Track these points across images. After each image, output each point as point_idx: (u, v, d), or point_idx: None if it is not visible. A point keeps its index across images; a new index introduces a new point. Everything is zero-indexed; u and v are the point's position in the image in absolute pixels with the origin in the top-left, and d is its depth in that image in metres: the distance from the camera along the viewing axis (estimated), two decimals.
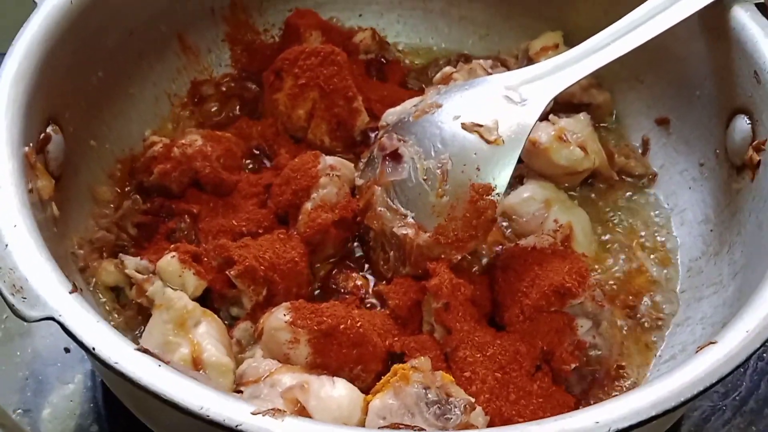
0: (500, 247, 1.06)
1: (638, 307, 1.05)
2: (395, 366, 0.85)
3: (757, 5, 1.03)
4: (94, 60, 1.05)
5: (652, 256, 1.10)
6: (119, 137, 1.12)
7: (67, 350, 1.08)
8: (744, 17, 1.02)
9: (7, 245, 0.76)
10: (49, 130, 0.94)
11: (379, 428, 0.77)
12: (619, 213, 1.14)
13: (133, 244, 1.04)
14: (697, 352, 0.73)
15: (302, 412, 0.80)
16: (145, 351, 0.70)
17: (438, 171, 0.97)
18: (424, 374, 0.84)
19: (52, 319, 0.70)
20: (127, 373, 0.68)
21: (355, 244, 1.07)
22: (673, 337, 1.01)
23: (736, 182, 1.02)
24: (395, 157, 1.01)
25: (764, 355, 1.11)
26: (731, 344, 0.72)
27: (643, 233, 1.12)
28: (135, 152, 1.13)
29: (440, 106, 1.03)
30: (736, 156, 1.02)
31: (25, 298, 0.72)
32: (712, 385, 0.69)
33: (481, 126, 0.98)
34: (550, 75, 1.02)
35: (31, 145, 0.88)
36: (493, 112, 0.99)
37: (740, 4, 1.03)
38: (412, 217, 0.98)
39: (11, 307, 0.72)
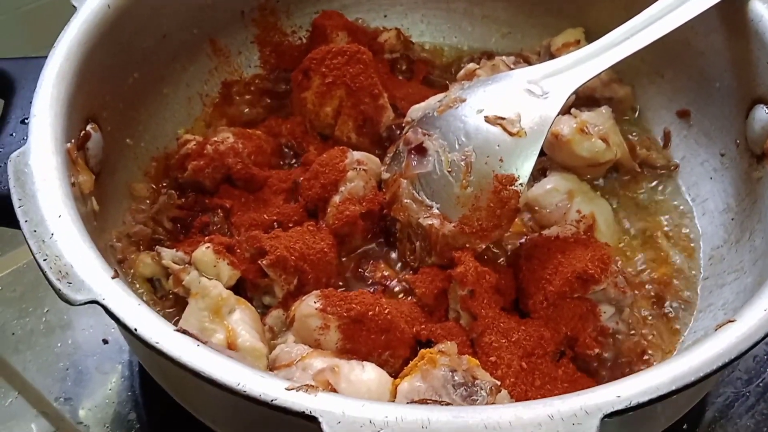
0: (524, 237, 1.08)
1: (663, 295, 1.07)
2: (422, 351, 0.88)
3: None
4: (130, 62, 1.10)
5: (675, 246, 1.12)
6: (154, 136, 1.16)
7: (105, 341, 1.12)
8: (762, 8, 1.04)
9: (52, 234, 0.80)
10: (88, 128, 0.98)
11: (407, 403, 0.79)
12: (643, 203, 1.16)
13: (169, 238, 1.07)
14: (716, 330, 0.75)
15: None
16: (184, 332, 0.73)
17: (462, 163, 1.00)
18: (451, 358, 0.86)
19: (96, 302, 0.74)
20: (168, 352, 0.71)
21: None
22: (696, 323, 1.03)
23: (757, 171, 1.04)
24: (420, 150, 1.04)
25: None
26: (750, 322, 0.74)
27: (666, 223, 1.14)
28: (169, 150, 1.17)
29: (464, 100, 1.05)
30: (756, 145, 1.04)
31: (70, 283, 0.75)
32: (731, 361, 0.71)
33: (503, 119, 1.01)
34: (570, 69, 1.05)
35: (72, 141, 0.92)
36: (515, 105, 1.02)
37: None
38: (437, 208, 1.00)
39: (57, 291, 0.75)
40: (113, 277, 0.77)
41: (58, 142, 0.89)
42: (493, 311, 0.96)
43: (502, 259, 1.07)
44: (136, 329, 0.72)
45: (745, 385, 1.08)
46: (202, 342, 0.73)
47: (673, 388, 0.69)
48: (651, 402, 0.68)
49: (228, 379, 0.69)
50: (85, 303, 0.74)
